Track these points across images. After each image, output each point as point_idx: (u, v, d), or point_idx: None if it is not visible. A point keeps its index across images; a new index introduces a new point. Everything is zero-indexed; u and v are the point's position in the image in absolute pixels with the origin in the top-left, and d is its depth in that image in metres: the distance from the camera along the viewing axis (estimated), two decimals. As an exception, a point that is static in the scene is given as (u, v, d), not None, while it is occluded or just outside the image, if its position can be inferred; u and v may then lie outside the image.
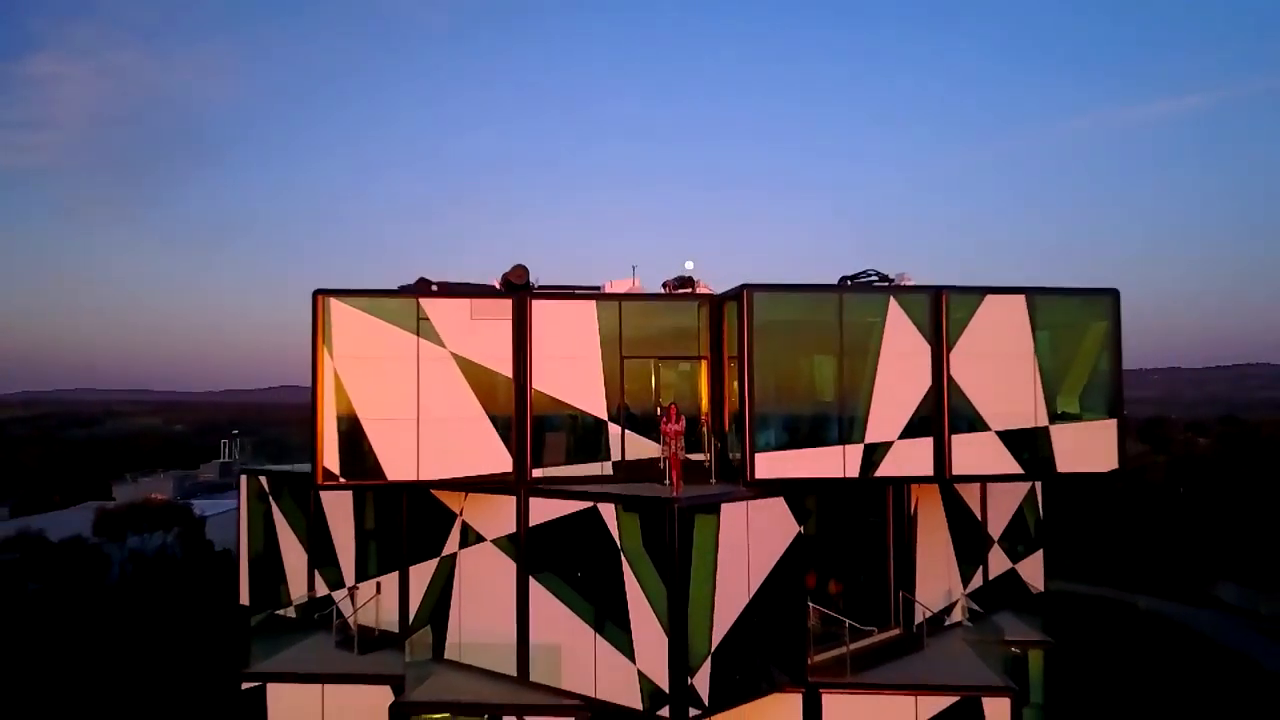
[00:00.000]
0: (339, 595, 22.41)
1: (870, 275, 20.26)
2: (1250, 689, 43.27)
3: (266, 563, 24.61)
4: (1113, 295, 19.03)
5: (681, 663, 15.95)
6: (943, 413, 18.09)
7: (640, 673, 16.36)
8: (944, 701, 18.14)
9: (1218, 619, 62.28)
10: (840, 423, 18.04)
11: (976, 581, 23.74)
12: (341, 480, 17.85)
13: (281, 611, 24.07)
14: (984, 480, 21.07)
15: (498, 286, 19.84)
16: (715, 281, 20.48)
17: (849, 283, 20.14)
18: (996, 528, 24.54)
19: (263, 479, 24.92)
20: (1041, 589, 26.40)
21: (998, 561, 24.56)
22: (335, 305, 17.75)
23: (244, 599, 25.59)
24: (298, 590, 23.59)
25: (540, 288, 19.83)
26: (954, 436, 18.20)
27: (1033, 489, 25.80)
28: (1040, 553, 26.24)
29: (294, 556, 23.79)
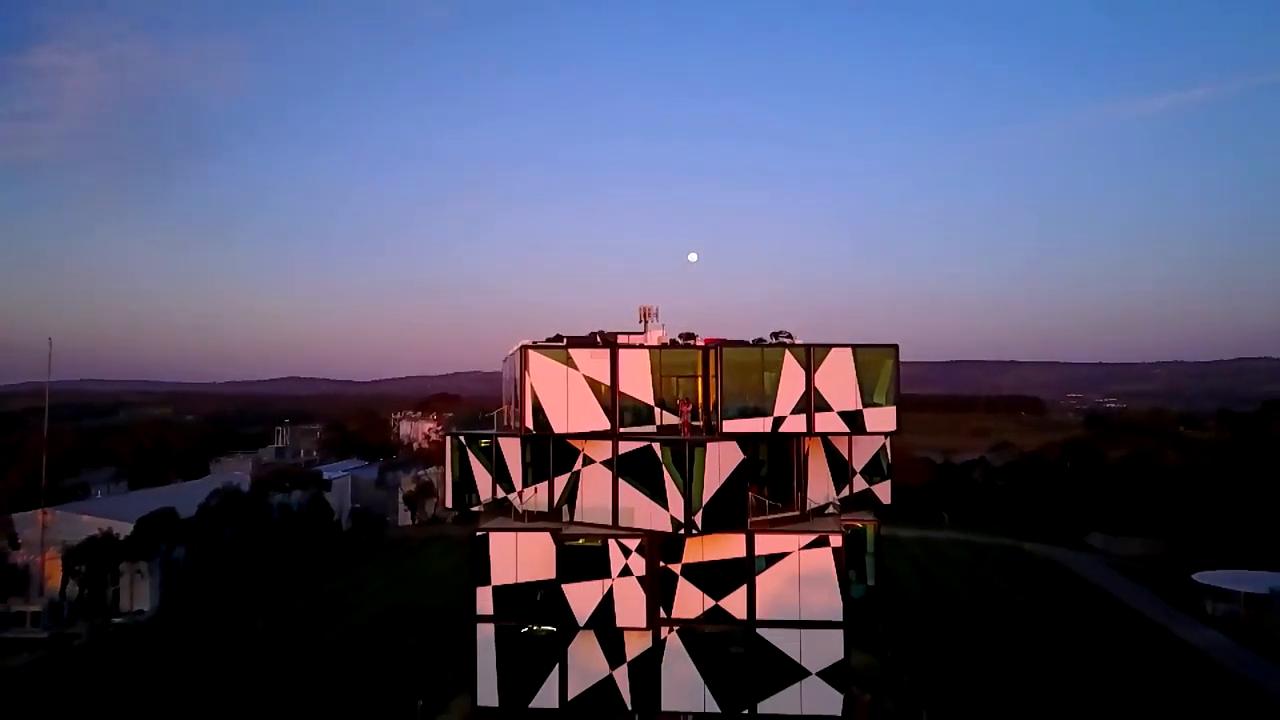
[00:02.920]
0: (511, 496, 42.32)
1: (785, 334, 40.17)
2: (1085, 603, 64.05)
3: (463, 482, 44.43)
4: (894, 347, 39.04)
5: (690, 510, 35.91)
6: (810, 402, 38.07)
7: (671, 516, 36.35)
8: (811, 536, 38.11)
9: (1083, 558, 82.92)
10: (762, 407, 38.03)
11: (845, 492, 43.68)
12: (534, 431, 37.93)
13: (474, 508, 43.98)
14: (831, 435, 40.88)
15: (599, 340, 39.83)
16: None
17: (775, 337, 40.03)
18: (859, 464, 44.39)
19: (461, 438, 44.81)
20: (888, 503, 46.12)
21: (859, 483, 44.46)
22: (531, 353, 37.84)
23: (448, 503, 45.69)
24: (485, 495, 43.47)
25: (622, 333, 39.92)
26: (816, 414, 38.17)
27: (884, 445, 45.54)
28: (889, 481, 45.96)
29: (481, 477, 43.54)
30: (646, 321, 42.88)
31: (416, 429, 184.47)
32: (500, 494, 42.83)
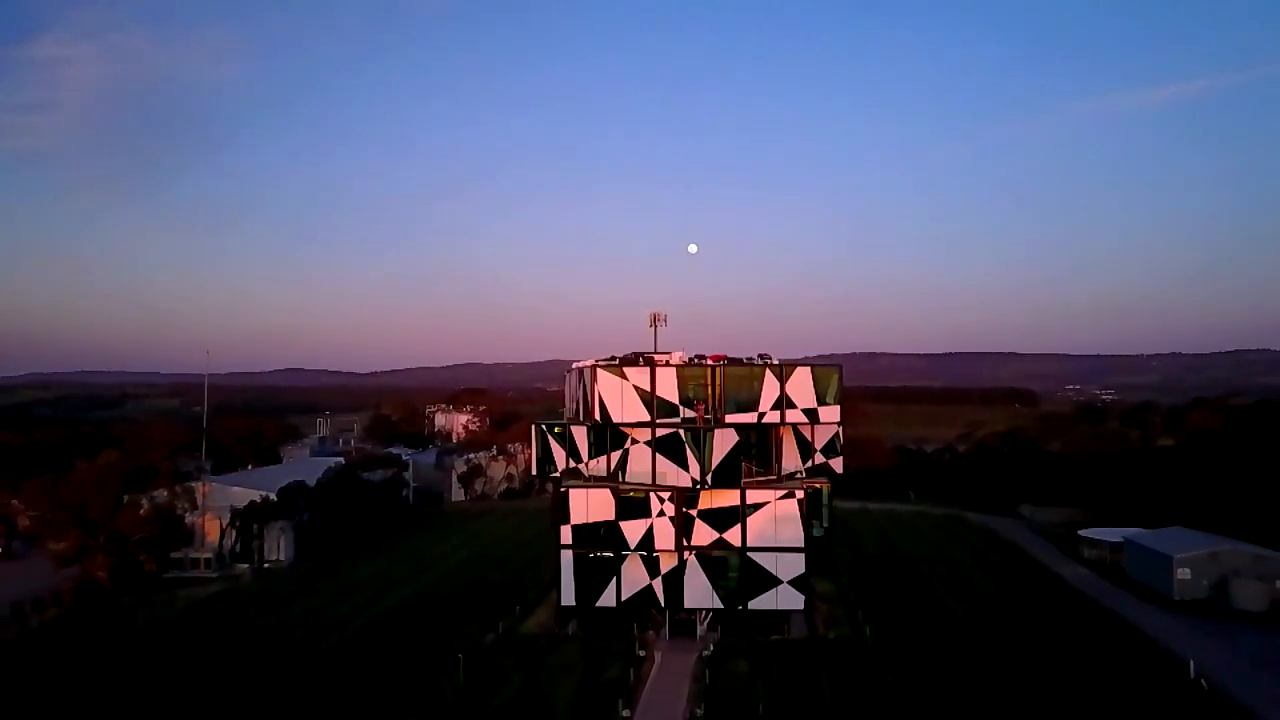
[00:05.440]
0: (580, 465, 60.60)
1: (767, 356, 58.55)
2: (998, 551, 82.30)
3: (544, 456, 62.71)
4: (839, 366, 57.41)
5: (703, 473, 54.32)
6: (782, 403, 56.48)
7: (691, 477, 54.77)
8: (783, 491, 56.48)
9: (1009, 523, 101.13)
10: (751, 406, 56.43)
11: (808, 464, 61.94)
12: (599, 420, 56.38)
13: (554, 474, 62.28)
14: (798, 425, 59.16)
15: (641, 360, 58.19)
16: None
17: (761, 358, 58.41)
18: (819, 445, 62.57)
19: (543, 425, 63.09)
20: (841, 472, 64.20)
21: (819, 458, 62.68)
22: (599, 370, 56.28)
23: (532, 470, 64.13)
24: (560, 465, 61.74)
25: (656, 353, 58.36)
26: (786, 410, 56.58)
27: (837, 431, 63.68)
28: (841, 457, 64.05)
29: (558, 453, 61.82)
30: (656, 326, 62.10)
31: (450, 420, 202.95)
32: (571, 464, 61.24)
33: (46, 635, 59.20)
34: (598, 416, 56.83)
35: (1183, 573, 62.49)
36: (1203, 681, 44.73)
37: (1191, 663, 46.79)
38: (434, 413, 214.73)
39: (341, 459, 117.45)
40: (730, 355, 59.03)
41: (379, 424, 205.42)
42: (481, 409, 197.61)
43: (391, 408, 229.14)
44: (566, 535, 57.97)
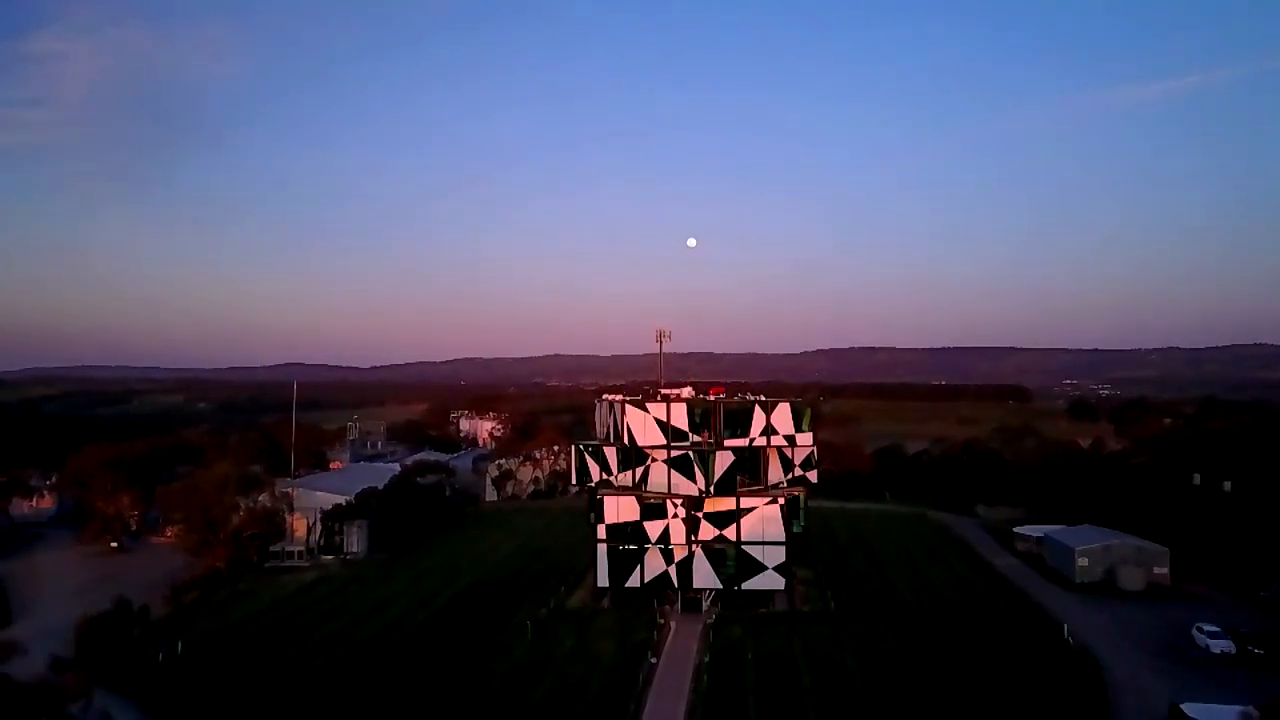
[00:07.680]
0: (610, 477, 76.46)
1: (758, 394, 74.44)
2: (947, 544, 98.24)
3: (581, 470, 78.49)
4: (812, 404, 73.34)
5: (708, 484, 70.31)
6: (768, 429, 72.46)
7: (698, 487, 70.79)
8: (769, 499, 72.41)
9: (963, 520, 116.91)
10: (744, 432, 72.43)
11: (790, 476, 77.79)
12: (626, 443, 72.38)
13: (590, 484, 78.16)
14: (780, 447, 75.07)
15: (659, 395, 74.14)
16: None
17: (753, 394, 74.28)
18: (797, 460, 78.34)
19: (581, 445, 78.93)
20: (816, 482, 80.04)
21: (797, 472, 78.53)
22: (628, 405, 72.35)
23: (574, 481, 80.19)
24: (595, 477, 77.60)
25: (670, 385, 74.36)
26: (771, 436, 72.54)
27: (813, 450, 79.49)
28: (816, 470, 79.86)
29: (593, 467, 77.65)
30: (661, 342, 78.57)
31: (475, 425, 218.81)
32: (604, 476, 77.18)
33: (200, 610, 75.15)
34: (625, 440, 72.80)
35: (1082, 561, 78.37)
36: (1069, 639, 60.72)
37: (1065, 626, 62.76)
38: (458, 418, 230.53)
39: (397, 465, 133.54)
40: (729, 382, 75.16)
41: (408, 428, 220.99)
42: (504, 416, 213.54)
43: (410, 409, 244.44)
44: (601, 532, 73.95)
